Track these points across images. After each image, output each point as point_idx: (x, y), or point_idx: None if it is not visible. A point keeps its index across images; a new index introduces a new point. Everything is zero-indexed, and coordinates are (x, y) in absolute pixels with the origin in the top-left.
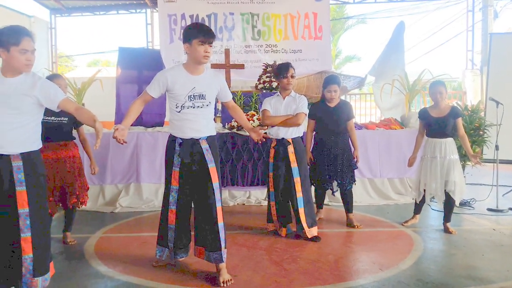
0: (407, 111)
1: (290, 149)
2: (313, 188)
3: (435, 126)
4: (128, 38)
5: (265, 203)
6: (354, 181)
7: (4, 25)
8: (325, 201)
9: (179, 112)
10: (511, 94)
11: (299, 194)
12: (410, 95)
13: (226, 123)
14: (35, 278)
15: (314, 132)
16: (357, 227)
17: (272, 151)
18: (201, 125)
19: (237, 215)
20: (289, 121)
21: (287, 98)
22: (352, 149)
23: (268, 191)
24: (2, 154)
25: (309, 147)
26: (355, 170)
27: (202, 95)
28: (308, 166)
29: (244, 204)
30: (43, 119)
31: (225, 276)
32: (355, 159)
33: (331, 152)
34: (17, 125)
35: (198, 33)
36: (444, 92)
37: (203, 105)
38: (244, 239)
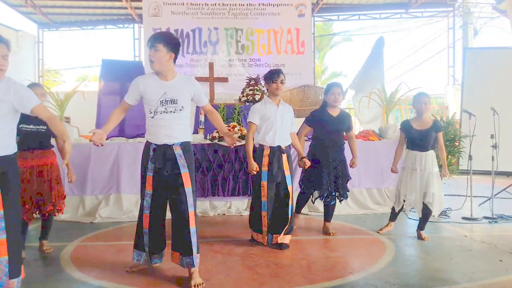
0: (384, 122)
1: (285, 157)
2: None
3: (417, 139)
4: (117, 53)
5: (246, 213)
6: (348, 191)
7: None
8: (304, 211)
9: (153, 117)
10: (484, 106)
11: (291, 202)
12: (387, 108)
13: (208, 134)
14: None
15: (312, 140)
16: (333, 234)
17: (266, 159)
18: (174, 131)
19: (217, 225)
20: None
21: (281, 106)
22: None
23: (259, 200)
24: None
25: (303, 152)
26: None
27: (174, 100)
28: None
29: (224, 214)
30: (22, 126)
31: (196, 279)
32: (352, 166)
33: (330, 162)
34: None
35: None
36: (428, 102)
37: (175, 110)
38: (220, 247)
